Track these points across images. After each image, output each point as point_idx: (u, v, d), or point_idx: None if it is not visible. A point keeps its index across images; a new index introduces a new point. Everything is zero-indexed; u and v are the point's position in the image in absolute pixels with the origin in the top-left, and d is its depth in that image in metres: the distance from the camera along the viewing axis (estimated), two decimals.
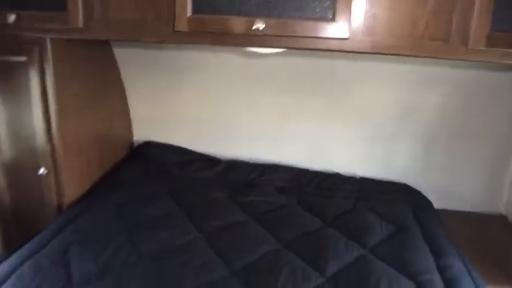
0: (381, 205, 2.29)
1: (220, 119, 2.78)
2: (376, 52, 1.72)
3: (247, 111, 2.73)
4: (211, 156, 2.84)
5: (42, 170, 2.16)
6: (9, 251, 1.82)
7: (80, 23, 1.87)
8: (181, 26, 1.76)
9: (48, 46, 1.98)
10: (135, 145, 2.97)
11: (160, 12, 1.78)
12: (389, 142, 2.62)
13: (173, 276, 1.66)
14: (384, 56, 1.83)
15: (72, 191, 2.25)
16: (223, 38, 1.77)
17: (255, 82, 2.64)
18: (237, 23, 1.70)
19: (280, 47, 1.90)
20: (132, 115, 2.93)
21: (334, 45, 1.71)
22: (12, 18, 1.89)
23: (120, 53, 2.64)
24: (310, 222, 2.15)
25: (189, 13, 1.73)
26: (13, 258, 1.71)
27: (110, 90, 2.67)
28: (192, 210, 2.19)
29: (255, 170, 2.67)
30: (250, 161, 2.78)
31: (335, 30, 1.66)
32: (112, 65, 2.67)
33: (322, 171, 2.68)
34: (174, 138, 2.88)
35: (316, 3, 1.64)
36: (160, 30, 1.81)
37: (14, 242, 1.88)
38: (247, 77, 2.61)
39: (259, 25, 1.67)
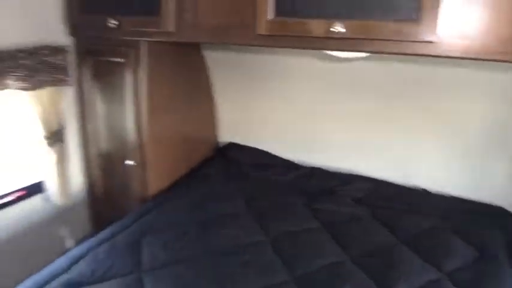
0: (467, 227, 2.06)
1: (302, 124, 2.76)
2: (469, 57, 1.53)
3: (330, 118, 2.67)
4: (292, 162, 2.84)
5: (130, 162, 2.35)
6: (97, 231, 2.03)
7: (172, 27, 2.00)
8: (263, 29, 1.78)
9: (143, 49, 2.17)
10: (220, 146, 3.08)
11: (244, 17, 1.82)
12: (485, 159, 2.35)
13: (232, 274, 1.68)
14: (480, 62, 1.63)
15: (156, 184, 2.41)
16: (303, 41, 1.76)
17: (339, 88, 2.57)
18: (316, 26, 1.68)
19: (361, 51, 1.83)
20: (219, 117, 3.05)
21: (420, 49, 1.57)
22: (114, 24, 2.10)
23: (211, 57, 2.77)
24: (383, 237, 2.02)
25: (269, 16, 1.75)
26: (92, 240, 1.89)
27: (199, 92, 2.81)
28: (263, 213, 2.20)
29: (334, 178, 2.61)
30: (330, 169, 2.71)
31: (420, 32, 1.53)
32: (202, 69, 2.81)
33: (406, 185, 2.51)
34: (257, 142, 2.93)
35: (400, 4, 1.53)
36: (243, 34, 1.86)
37: (103, 223, 2.09)
38: (331, 83, 2.56)
39: (338, 28, 1.62)
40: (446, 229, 2.07)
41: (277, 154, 2.89)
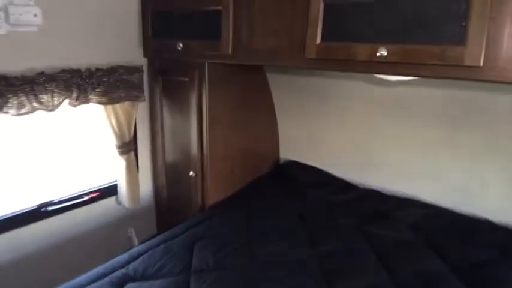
0: None
1: (359, 146, 2.76)
2: None
3: (387, 140, 2.63)
4: (348, 182, 2.84)
5: (192, 173, 2.55)
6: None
7: (230, 50, 2.17)
8: (311, 53, 1.87)
9: (205, 69, 2.37)
10: (280, 162, 3.18)
11: (294, 41, 1.93)
12: None
13: (275, 285, 1.78)
14: None
15: (215, 194, 2.59)
16: (348, 65, 1.81)
17: (396, 112, 2.54)
18: (361, 50, 1.72)
19: (406, 75, 1.82)
20: (280, 135, 3.15)
21: (465, 73, 1.53)
22: (180, 46, 2.33)
23: (273, 78, 2.90)
24: (433, 265, 1.95)
25: (318, 41, 1.83)
26: (152, 240, 2.10)
27: (260, 110, 2.95)
28: (314, 230, 2.26)
29: (389, 202, 2.55)
30: (386, 192, 2.67)
31: (466, 57, 1.49)
32: (264, 89, 2.95)
33: (464, 213, 2.38)
34: (315, 160, 2.98)
35: (444, 27, 1.52)
36: (292, 57, 1.96)
37: (166, 227, 2.32)
38: (387, 106, 2.54)
39: (383, 52, 1.65)
40: (504, 263, 1.93)
41: (333, 173, 2.91)
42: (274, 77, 2.90)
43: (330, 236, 2.20)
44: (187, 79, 2.45)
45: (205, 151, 2.50)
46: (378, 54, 1.67)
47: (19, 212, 2.25)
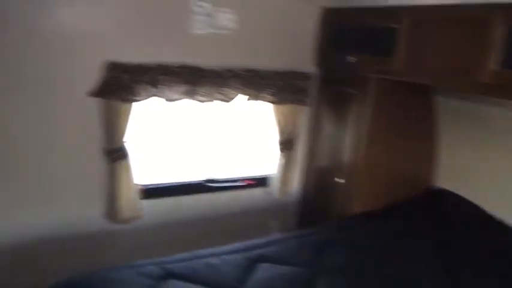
0: None
1: None
2: None
3: None
4: (501, 221, 2.53)
5: (340, 180, 2.65)
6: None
7: (401, 67, 2.18)
8: (485, 78, 1.76)
9: (373, 84, 2.42)
10: (432, 189, 3.01)
11: (467, 64, 1.84)
12: None
13: None
14: None
15: (358, 205, 2.62)
16: None
17: None
18: None
19: None
20: (438, 160, 2.98)
21: None
22: (352, 59, 2.44)
23: (444, 103, 2.75)
24: None
25: (494, 66, 1.71)
26: (291, 232, 2.30)
27: (420, 132, 2.83)
28: (454, 261, 2.12)
29: None
30: None
31: None
32: (427, 112, 2.81)
33: None
34: (470, 193, 2.73)
35: None
36: (465, 80, 1.87)
37: (306, 224, 2.47)
38: None
39: None
40: None
41: (490, 211, 2.62)
42: (445, 101, 2.75)
43: (469, 269, 2.06)
44: (353, 91, 2.54)
45: (357, 162, 2.56)
46: None
47: (188, 182, 2.71)
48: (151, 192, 2.53)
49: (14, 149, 2.12)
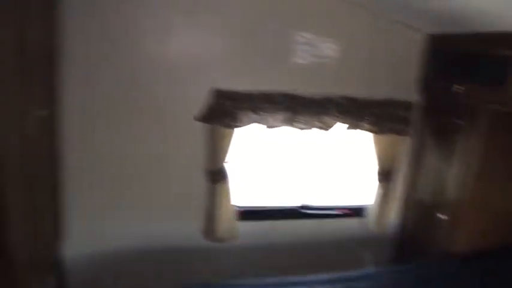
0: None
1: None
2: None
3: None
4: None
5: (443, 216, 2.47)
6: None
7: None
8: None
9: (483, 115, 2.26)
10: None
11: None
12: None
13: None
14: None
15: (460, 244, 2.42)
16: None
17: None
18: None
19: None
20: None
21: None
22: (459, 89, 2.31)
23: None
24: None
25: None
26: (385, 266, 2.20)
27: None
28: None
29: None
30: None
31: None
32: None
33: None
34: None
35: None
36: None
37: (403, 258, 2.34)
38: None
39: None
40: None
41: None
42: None
43: None
44: (460, 122, 2.38)
45: (462, 197, 2.38)
46: None
47: (284, 207, 2.76)
48: (248, 214, 2.62)
49: (126, 165, 2.37)
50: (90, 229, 2.38)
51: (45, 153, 2.01)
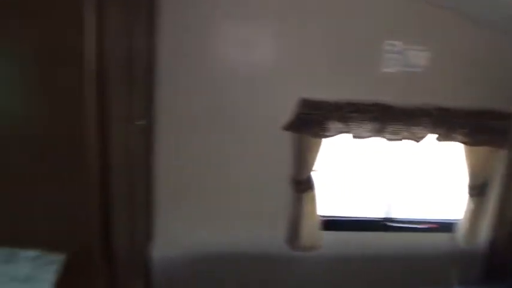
0: None
1: None
2: None
3: None
4: None
5: None
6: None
7: None
8: None
9: None
10: None
11: None
12: None
13: None
14: None
15: None
16: None
17: None
18: None
19: None
20: None
21: None
22: None
23: None
24: None
25: None
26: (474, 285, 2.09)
27: None
28: None
29: None
30: None
31: None
32: None
33: None
34: None
35: None
36: None
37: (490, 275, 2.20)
38: None
39: None
40: None
41: None
42: None
43: None
44: None
45: None
46: None
47: (368, 219, 2.71)
48: (331, 224, 2.59)
49: (214, 173, 2.44)
50: (177, 233, 2.48)
51: (141, 160, 2.13)
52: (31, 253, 1.52)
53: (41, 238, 1.51)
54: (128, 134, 1.80)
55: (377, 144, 2.51)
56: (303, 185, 2.38)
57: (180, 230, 2.48)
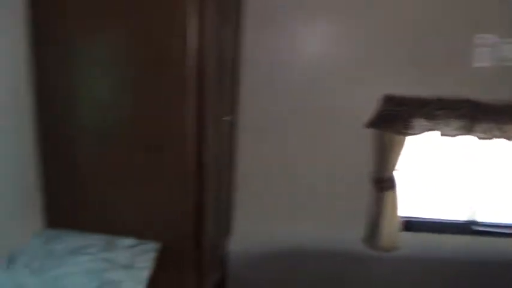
0: None
1: None
2: None
3: None
4: None
5: None
6: None
7: None
8: None
9: None
10: None
11: None
12: None
13: None
14: None
15: None
16: None
17: None
18: None
19: None
20: None
21: None
22: None
23: None
24: None
25: None
26: None
27: None
28: None
29: None
30: None
31: None
32: None
33: None
34: None
35: None
36: None
37: None
38: None
39: None
40: None
41: None
42: None
43: None
44: None
45: None
46: None
47: (451, 221, 2.57)
48: (412, 225, 2.50)
49: (293, 170, 2.43)
50: (253, 228, 2.51)
51: (226, 155, 2.17)
52: (127, 241, 1.60)
53: (137, 228, 1.60)
54: (219, 131, 1.85)
55: (464, 143, 2.38)
56: (384, 184, 2.31)
57: (257, 226, 2.52)
